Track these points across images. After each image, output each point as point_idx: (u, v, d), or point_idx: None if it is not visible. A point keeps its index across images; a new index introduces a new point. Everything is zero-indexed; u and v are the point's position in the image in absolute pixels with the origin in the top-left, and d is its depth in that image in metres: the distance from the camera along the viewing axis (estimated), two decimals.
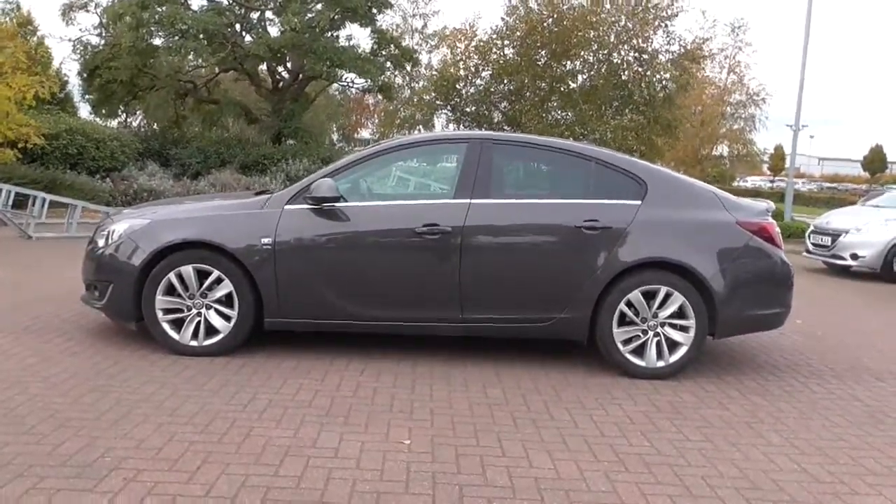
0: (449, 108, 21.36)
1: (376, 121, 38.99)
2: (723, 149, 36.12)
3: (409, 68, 21.56)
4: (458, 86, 21.01)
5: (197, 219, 4.63)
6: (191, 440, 3.18)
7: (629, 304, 4.50)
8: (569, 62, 19.74)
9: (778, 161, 64.18)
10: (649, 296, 4.51)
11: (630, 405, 4.00)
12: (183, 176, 17.33)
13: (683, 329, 4.52)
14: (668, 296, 4.49)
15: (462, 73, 20.55)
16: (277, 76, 19.79)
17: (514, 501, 2.77)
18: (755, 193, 40.07)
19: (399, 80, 23.62)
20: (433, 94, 23.97)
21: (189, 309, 4.50)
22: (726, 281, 4.52)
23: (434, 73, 23.21)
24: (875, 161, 71.79)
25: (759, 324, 4.75)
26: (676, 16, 17.98)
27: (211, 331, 4.51)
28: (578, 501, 2.80)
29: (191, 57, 18.23)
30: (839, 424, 3.87)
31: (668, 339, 4.53)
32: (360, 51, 18.91)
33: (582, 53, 19.35)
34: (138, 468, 2.86)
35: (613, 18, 18.73)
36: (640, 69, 17.99)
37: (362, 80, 19.23)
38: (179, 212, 4.77)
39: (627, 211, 4.56)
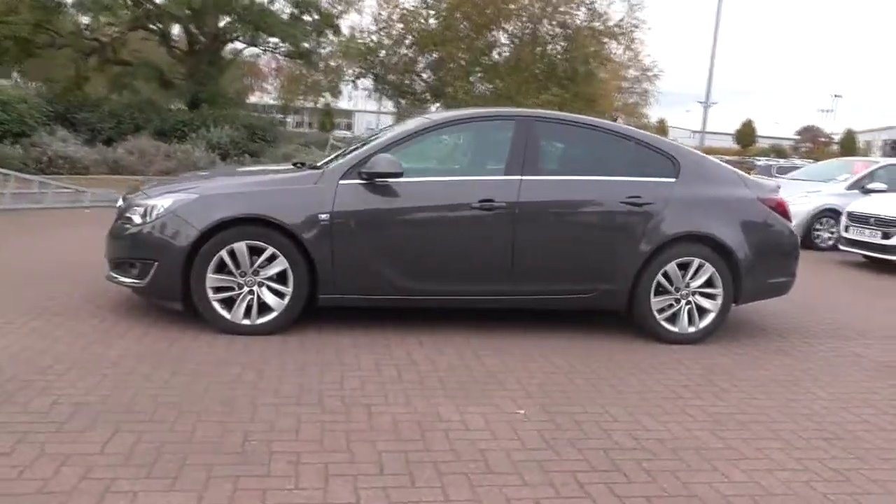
0: (372, 76, 21.11)
1: (271, 85, 37.80)
2: (620, 123, 37.75)
3: (330, 35, 21.06)
4: (380, 55, 20.81)
5: (250, 193, 4.50)
6: (320, 420, 3.17)
7: (665, 275, 4.81)
8: (490, 34, 19.98)
9: (661, 133, 67.60)
10: (682, 267, 4.83)
11: (683, 369, 4.30)
12: (94, 141, 16.27)
13: (711, 297, 4.88)
14: (699, 267, 4.83)
15: (386, 41, 20.35)
16: (193, 38, 18.78)
17: (659, 461, 2.98)
18: None
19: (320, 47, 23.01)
20: (341, 61, 23.58)
21: (240, 287, 4.39)
22: (750, 252, 4.91)
23: (342, 39, 22.80)
24: (746, 135, 77.40)
25: (773, 291, 5.19)
26: None
27: (263, 309, 4.43)
28: (712, 458, 3.05)
29: (101, 15, 16.95)
30: (862, 379, 4.35)
31: (698, 306, 4.88)
32: (281, 15, 18.29)
33: (504, 25, 19.66)
34: (295, 450, 2.85)
35: None
36: (563, 43, 18.48)
37: (285, 45, 18.55)
38: (228, 186, 4.60)
39: (665, 188, 4.84)
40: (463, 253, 4.62)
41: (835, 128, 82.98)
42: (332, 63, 24.18)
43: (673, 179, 4.89)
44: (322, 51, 23.53)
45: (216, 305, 4.38)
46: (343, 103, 33.41)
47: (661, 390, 3.90)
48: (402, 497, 2.54)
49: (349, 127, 52.65)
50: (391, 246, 4.53)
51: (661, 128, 67.28)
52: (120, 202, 5.00)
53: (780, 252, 5.11)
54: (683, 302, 4.86)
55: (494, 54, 19.93)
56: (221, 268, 4.36)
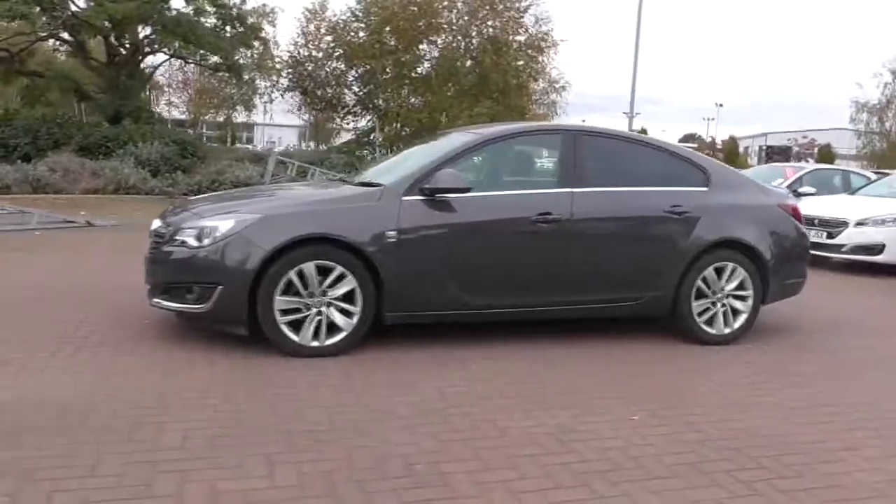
0: (300, 90, 20.76)
1: (178, 98, 36.43)
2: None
3: (256, 45, 20.56)
4: (307, 67, 20.52)
5: (315, 212, 4.39)
6: (461, 438, 3.15)
7: (704, 280, 5.06)
8: (419, 48, 20.14)
9: None
10: (718, 271, 5.10)
11: (731, 370, 4.53)
12: (10, 158, 15.19)
13: (743, 299, 5.17)
14: (733, 271, 5.12)
15: (315, 54, 20.10)
16: (113, 49, 17.85)
17: (788, 456, 3.15)
18: None
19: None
20: (255, 73, 23.11)
21: (308, 308, 4.27)
22: (774, 255, 5.24)
23: (255, 54, 22.34)
24: None
25: (791, 291, 5.54)
26: (528, 8, 19.12)
27: (331, 329, 4.33)
28: (831, 450, 3.26)
29: (14, 24, 15.83)
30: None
31: (732, 308, 5.16)
32: (206, 26, 17.73)
33: (434, 38, 19.89)
34: (464, 470, 2.83)
35: (464, 6, 19.43)
36: (494, 56, 18.88)
37: (213, 58, 17.98)
38: (289, 206, 4.46)
39: (699, 197, 5.10)
40: (522, 266, 4.69)
41: (718, 134, 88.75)
42: (245, 76, 23.66)
43: (706, 189, 5.16)
44: (243, 62, 22.98)
45: (284, 328, 4.24)
46: (258, 117, 32.61)
47: (735, 390, 4.11)
48: None
49: (250, 141, 51.41)
50: (454, 261, 4.53)
51: None
52: (156, 224, 4.75)
53: (797, 254, 5.47)
54: (719, 305, 5.12)
55: (426, 66, 20.07)
56: (288, 289, 4.23)
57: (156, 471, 2.68)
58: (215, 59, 18.27)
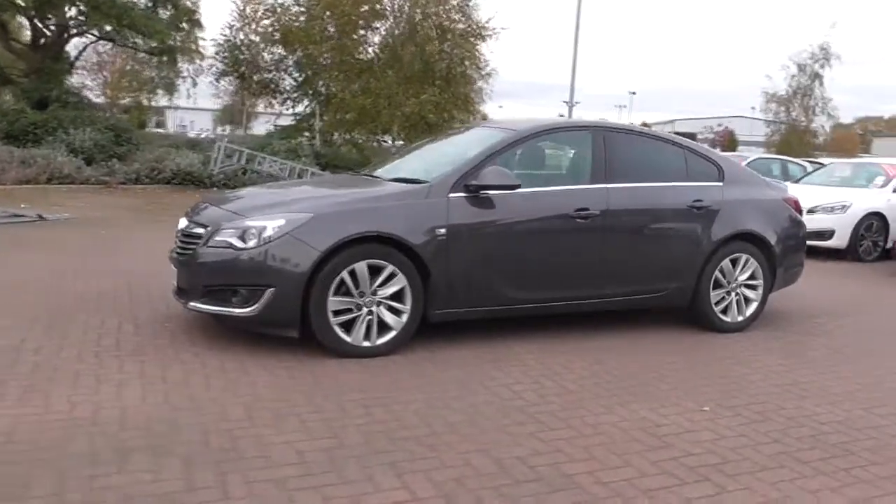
0: (236, 74, 20.01)
1: (94, 81, 34.52)
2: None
3: (185, 27, 19.66)
4: (244, 52, 19.80)
5: (366, 210, 4.28)
6: (562, 437, 3.18)
7: (721, 271, 5.27)
8: (360, 33, 19.77)
9: None
10: (733, 262, 5.32)
11: (762, 358, 4.72)
12: None
13: (754, 288, 5.42)
14: (746, 261, 5.35)
15: (253, 37, 19.43)
16: (37, 31, 16.69)
17: (859, 442, 3.34)
18: None
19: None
20: (178, 56, 22.24)
21: (359, 308, 4.18)
22: (781, 246, 5.50)
23: (182, 36, 21.41)
24: None
25: (792, 279, 5.83)
26: None
27: (382, 328, 4.26)
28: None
29: None
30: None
31: (745, 297, 5.40)
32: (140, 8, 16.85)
33: (376, 24, 19.60)
34: (584, 470, 2.86)
35: None
36: (438, 44, 18.77)
37: (147, 41, 17.10)
38: (338, 204, 4.32)
39: (716, 191, 5.29)
40: (563, 260, 4.75)
41: (631, 122, 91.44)
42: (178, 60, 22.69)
43: (721, 184, 5.35)
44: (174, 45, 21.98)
45: (337, 329, 4.14)
46: (182, 101, 31.29)
47: (776, 375, 4.30)
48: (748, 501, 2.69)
49: (160, 125, 49.31)
50: (499, 257, 4.54)
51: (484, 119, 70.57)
52: (184, 223, 4.53)
53: (798, 245, 5.77)
54: (733, 294, 5.35)
55: (367, 52, 19.68)
56: (339, 289, 4.13)
57: (288, 489, 2.58)
58: (150, 42, 17.36)
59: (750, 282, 5.40)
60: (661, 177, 5.19)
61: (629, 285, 5.01)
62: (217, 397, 3.44)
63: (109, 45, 20.81)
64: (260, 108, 27.96)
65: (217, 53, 19.86)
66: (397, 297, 4.26)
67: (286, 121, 21.74)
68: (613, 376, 4.12)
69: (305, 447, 2.92)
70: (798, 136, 37.86)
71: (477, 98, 38.73)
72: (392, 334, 4.27)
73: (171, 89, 31.19)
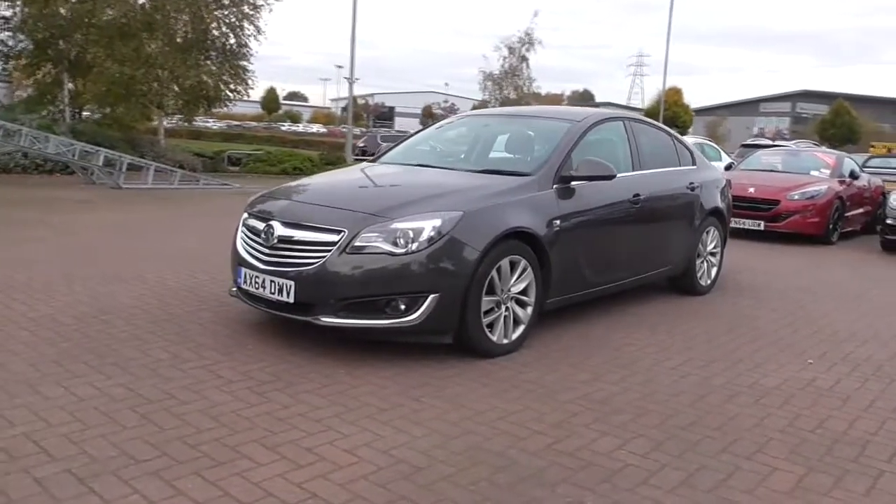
0: None
1: None
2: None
3: None
4: None
5: (502, 206, 4.15)
6: (750, 413, 3.62)
7: (702, 243, 6.11)
8: None
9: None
10: (707, 235, 6.19)
11: (766, 318, 5.64)
12: None
13: (715, 255, 6.37)
14: (714, 234, 6.27)
15: None
16: None
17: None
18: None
19: None
20: None
21: (499, 305, 4.12)
22: (727, 215, 6.55)
23: None
24: (271, 101, 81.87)
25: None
26: None
27: (514, 323, 4.24)
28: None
29: None
30: (831, 305, 6.42)
31: (710, 263, 6.32)
32: None
33: None
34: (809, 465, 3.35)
35: None
36: (214, 11, 17.31)
37: None
38: (471, 201, 4.08)
39: (695, 174, 6.08)
40: (621, 243, 5.14)
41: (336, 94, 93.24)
42: None
43: (696, 167, 6.16)
44: None
45: (487, 330, 4.03)
46: None
47: (800, 334, 5.22)
48: None
49: None
50: (586, 243, 4.76)
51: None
52: (282, 230, 3.95)
53: (731, 212, 6.88)
54: (706, 262, 6.23)
55: (114, 14, 16.99)
56: (489, 289, 4.02)
57: None
58: None
59: (714, 250, 6.34)
60: (666, 163, 5.81)
61: (655, 262, 5.58)
62: (483, 415, 3.22)
63: None
64: None
65: None
66: (524, 290, 4.27)
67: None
68: (704, 349, 4.65)
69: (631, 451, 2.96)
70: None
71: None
72: (522, 328, 4.28)
73: None
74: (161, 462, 2.65)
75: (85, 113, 18.43)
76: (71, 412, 3.04)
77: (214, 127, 48.85)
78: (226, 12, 17.44)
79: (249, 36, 18.03)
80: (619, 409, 3.43)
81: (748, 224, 10.02)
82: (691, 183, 5.89)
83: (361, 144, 26.19)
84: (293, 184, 4.82)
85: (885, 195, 12.13)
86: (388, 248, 3.77)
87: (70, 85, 17.61)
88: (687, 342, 4.67)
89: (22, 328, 4.19)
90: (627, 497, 2.57)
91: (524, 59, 41.62)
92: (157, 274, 5.78)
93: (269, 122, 77.72)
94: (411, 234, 3.79)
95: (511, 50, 41.28)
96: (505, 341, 4.17)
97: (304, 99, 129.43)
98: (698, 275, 6.10)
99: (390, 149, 5.68)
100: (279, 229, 3.98)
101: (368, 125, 63.88)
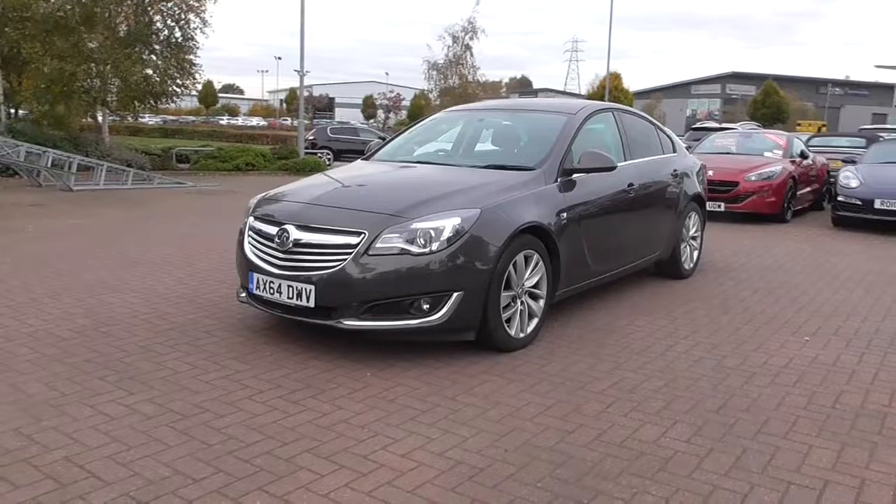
0: None
1: None
2: None
3: None
4: None
5: (514, 202, 4.17)
6: (773, 410, 3.77)
7: (685, 228, 6.27)
8: None
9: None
10: (689, 220, 6.36)
11: (756, 297, 5.88)
12: None
13: (695, 239, 6.56)
14: (694, 218, 6.44)
15: None
16: None
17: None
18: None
19: None
20: None
21: (515, 300, 4.15)
22: (705, 199, 6.74)
23: None
24: (209, 96, 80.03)
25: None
26: None
27: (529, 317, 4.28)
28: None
29: None
30: (806, 281, 6.69)
31: (692, 247, 6.50)
32: None
33: None
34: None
35: None
36: (162, 6, 16.70)
37: None
38: (485, 196, 4.07)
39: (675, 162, 6.23)
40: (620, 232, 5.23)
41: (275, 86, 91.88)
42: None
43: (676, 154, 6.31)
44: None
45: (506, 326, 4.06)
46: None
47: (800, 307, 5.43)
48: None
49: None
50: (589, 234, 4.81)
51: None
52: (297, 233, 3.88)
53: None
54: (689, 246, 6.41)
55: (46, 6, 16.17)
56: (506, 284, 4.05)
57: None
58: None
59: (695, 234, 6.52)
60: (652, 151, 5.93)
61: (647, 249, 5.70)
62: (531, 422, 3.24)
63: None
64: None
65: None
66: (537, 283, 4.32)
67: None
68: (721, 328, 4.79)
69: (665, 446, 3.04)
70: (454, 99, 42.23)
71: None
72: (535, 321, 4.32)
73: None
74: (220, 479, 2.59)
75: (21, 111, 17.58)
76: (106, 432, 2.94)
77: (151, 123, 47.20)
78: (170, 4, 16.82)
79: (195, 28, 17.46)
80: (649, 396, 3.51)
81: (709, 206, 10.30)
82: (675, 170, 6.04)
83: (311, 137, 25.69)
84: (296, 185, 4.72)
85: (830, 174, 12.75)
86: (410, 248, 3.75)
87: (4, 82, 16.77)
88: (689, 325, 4.80)
89: (21, 345, 4.01)
90: (688, 483, 2.65)
91: (468, 47, 41.63)
92: (142, 282, 5.60)
93: (208, 116, 75.84)
94: (432, 234, 3.78)
95: (455, 39, 41.30)
96: (521, 335, 4.20)
97: (241, 91, 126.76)
98: (682, 259, 6.26)
99: (382, 146, 5.63)
100: (294, 233, 3.91)
101: (310, 117, 63.05)
